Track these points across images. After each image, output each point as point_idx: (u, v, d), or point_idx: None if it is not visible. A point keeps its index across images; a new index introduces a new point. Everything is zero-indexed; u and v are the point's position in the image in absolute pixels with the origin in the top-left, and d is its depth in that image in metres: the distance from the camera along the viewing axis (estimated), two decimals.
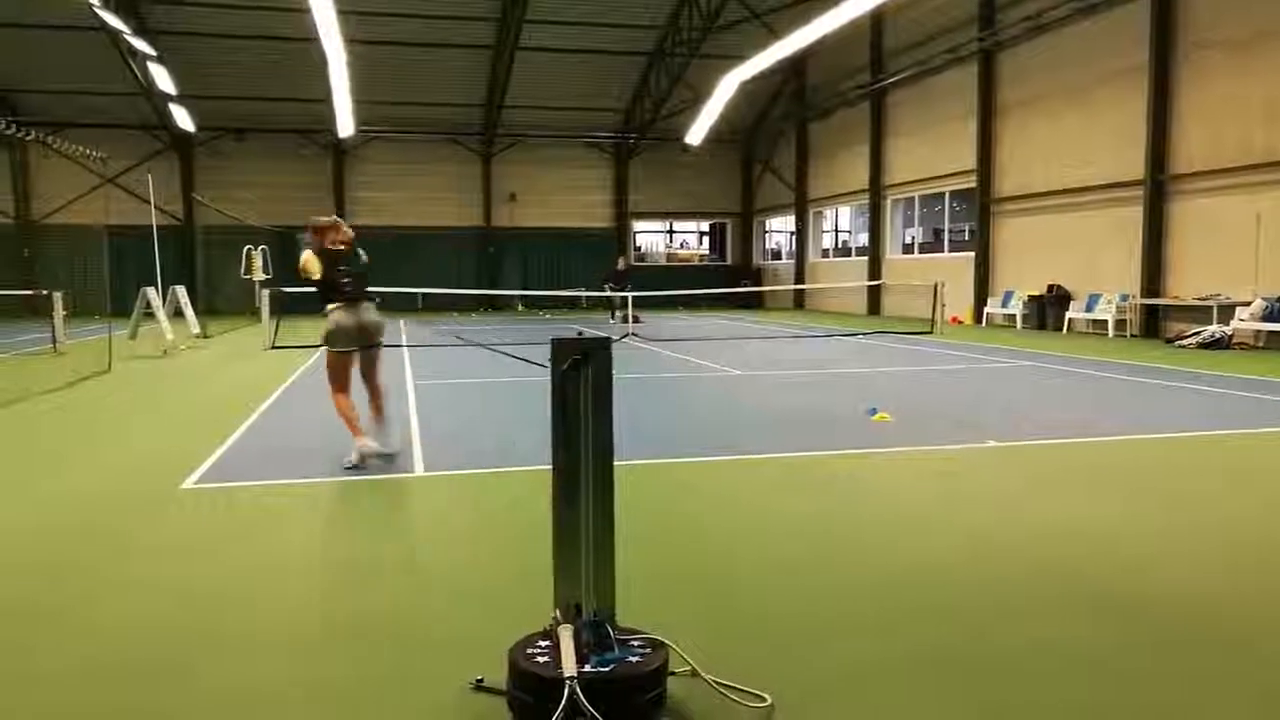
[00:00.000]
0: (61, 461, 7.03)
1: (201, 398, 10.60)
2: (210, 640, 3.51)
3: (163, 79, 24.62)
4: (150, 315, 16.57)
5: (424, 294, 26.19)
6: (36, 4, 23.52)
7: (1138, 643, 3.43)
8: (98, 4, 20.65)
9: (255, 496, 5.82)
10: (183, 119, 27.44)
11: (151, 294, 16.66)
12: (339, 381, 6.71)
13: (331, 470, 6.43)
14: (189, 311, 19.01)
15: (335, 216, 7.06)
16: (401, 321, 22.94)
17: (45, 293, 16.47)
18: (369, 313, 6.80)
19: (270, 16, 24.39)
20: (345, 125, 27.45)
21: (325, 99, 25.25)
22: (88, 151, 13.42)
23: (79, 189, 26.81)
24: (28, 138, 13.18)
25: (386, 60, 26.97)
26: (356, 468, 6.42)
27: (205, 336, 18.91)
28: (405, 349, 15.79)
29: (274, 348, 15.98)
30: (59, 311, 16.23)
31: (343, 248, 6.75)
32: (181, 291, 18.77)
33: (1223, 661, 3.28)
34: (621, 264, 25.60)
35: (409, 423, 8.37)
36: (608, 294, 23.79)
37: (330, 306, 6.68)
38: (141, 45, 23.20)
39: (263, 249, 23.41)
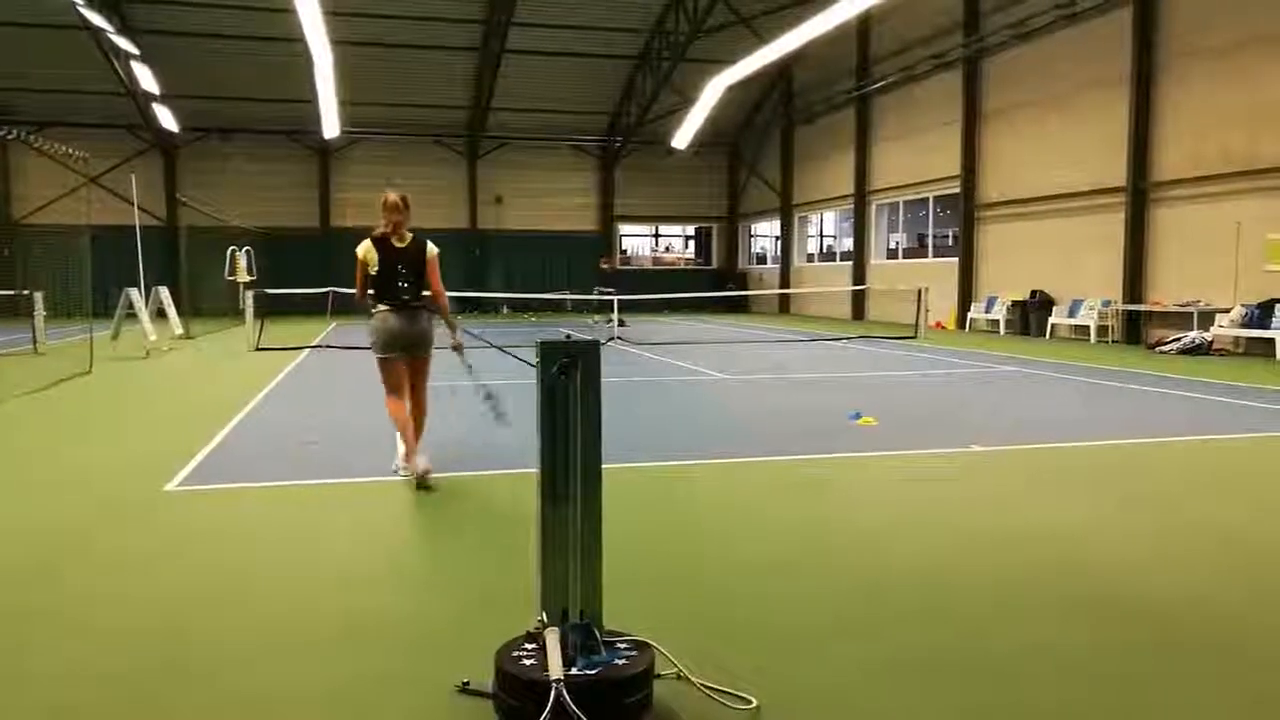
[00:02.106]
0: (42, 463, 6.97)
1: (185, 399, 10.54)
2: (196, 644, 3.49)
3: (146, 79, 24.48)
4: (133, 316, 16.45)
5: None
6: (16, 1, 23.34)
7: (1128, 645, 3.46)
8: (80, 2, 20.51)
9: (240, 499, 5.79)
10: (166, 119, 27.27)
11: (134, 295, 16.54)
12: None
13: (317, 472, 6.41)
14: (172, 312, 18.88)
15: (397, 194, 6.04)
16: None
17: (26, 293, 16.31)
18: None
19: (255, 17, 24.29)
20: (331, 126, 27.35)
21: (311, 100, 25.16)
22: (70, 151, 13.31)
23: (61, 189, 26.59)
24: (9, 136, 13.07)
25: (373, 61, 26.90)
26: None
27: (188, 338, 18.79)
28: None
29: (258, 349, 15.91)
30: (39, 312, 16.08)
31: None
32: (164, 292, 18.64)
33: (1214, 664, 3.30)
34: (606, 264, 25.54)
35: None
36: (599, 296, 23.54)
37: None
38: (124, 44, 23.07)
39: (247, 250, 23.28)
